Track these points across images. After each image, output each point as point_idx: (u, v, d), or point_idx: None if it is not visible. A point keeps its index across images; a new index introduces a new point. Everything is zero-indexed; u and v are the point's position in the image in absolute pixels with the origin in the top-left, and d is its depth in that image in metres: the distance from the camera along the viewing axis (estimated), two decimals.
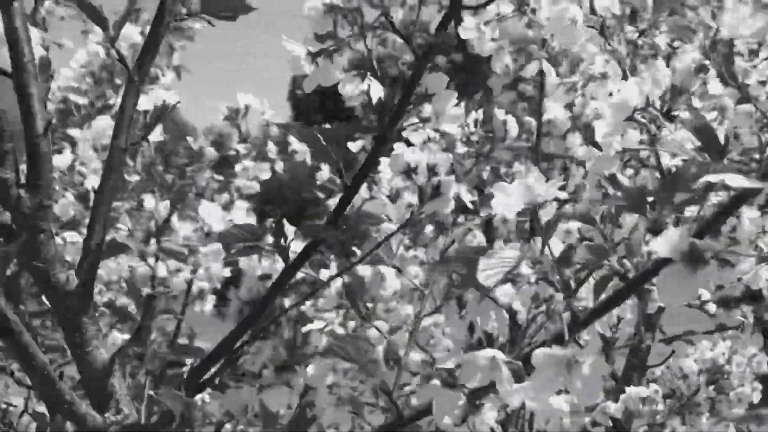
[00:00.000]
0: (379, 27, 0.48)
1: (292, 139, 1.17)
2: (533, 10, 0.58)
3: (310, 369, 0.86)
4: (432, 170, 0.61)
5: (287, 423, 0.66)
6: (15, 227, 0.44)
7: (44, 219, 0.44)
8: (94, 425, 0.43)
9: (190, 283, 0.80)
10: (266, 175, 1.13)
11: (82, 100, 1.19)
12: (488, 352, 0.34)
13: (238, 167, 1.12)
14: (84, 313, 0.45)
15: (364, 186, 1.16)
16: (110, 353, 0.47)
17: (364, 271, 0.95)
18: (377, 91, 0.50)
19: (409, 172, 0.61)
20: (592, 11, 0.58)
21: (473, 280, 0.36)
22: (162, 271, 0.82)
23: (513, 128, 0.87)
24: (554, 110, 0.69)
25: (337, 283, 0.79)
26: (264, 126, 1.12)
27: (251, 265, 1.29)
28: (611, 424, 0.75)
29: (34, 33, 0.83)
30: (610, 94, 0.60)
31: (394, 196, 1.14)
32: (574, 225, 0.62)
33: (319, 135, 0.51)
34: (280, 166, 1.16)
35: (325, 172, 1.15)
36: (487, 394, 0.36)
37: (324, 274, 0.95)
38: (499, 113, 0.82)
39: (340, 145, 0.50)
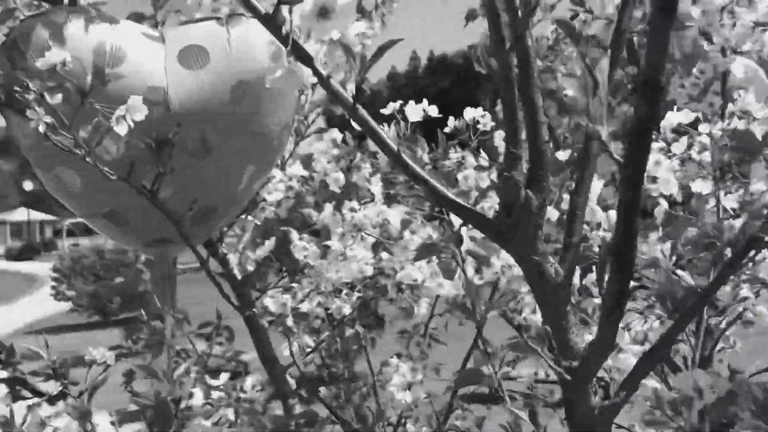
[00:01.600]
0: None
1: (503, 149, 1.21)
2: None
3: None
4: None
5: None
6: (515, 223, 0.49)
7: (543, 217, 0.48)
8: (592, 405, 0.48)
9: (495, 284, 0.85)
10: (484, 184, 1.17)
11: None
12: None
13: (459, 176, 1.17)
14: (567, 302, 0.49)
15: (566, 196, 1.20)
16: None
17: None
18: None
19: None
20: None
21: None
22: None
23: None
24: None
25: None
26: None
27: None
28: None
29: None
30: None
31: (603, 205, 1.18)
32: None
33: None
34: (494, 175, 1.20)
35: None
36: None
37: None
38: None
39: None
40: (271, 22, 0.47)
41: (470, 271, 0.84)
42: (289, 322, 1.32)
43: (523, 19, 0.44)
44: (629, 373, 0.51)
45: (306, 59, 0.47)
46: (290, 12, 0.46)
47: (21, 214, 31.27)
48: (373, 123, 0.49)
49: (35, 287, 15.53)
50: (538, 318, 1.20)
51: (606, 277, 0.44)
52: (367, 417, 1.03)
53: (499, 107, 1.79)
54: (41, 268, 17.89)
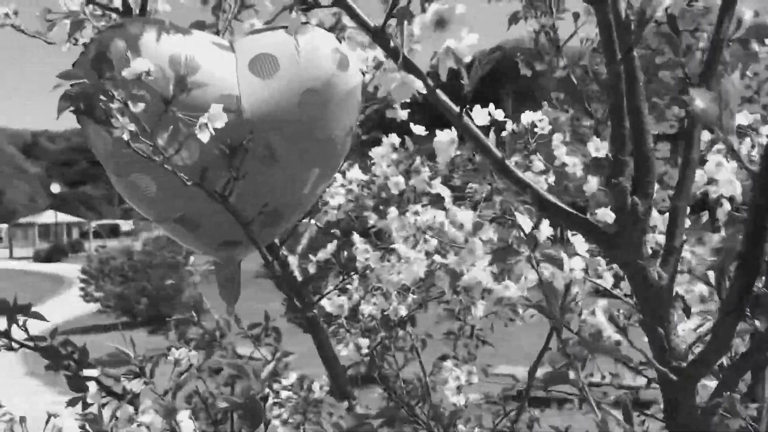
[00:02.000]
0: None
1: (559, 152, 1.23)
2: None
3: None
4: None
5: None
6: (619, 228, 0.50)
7: (648, 223, 0.50)
8: (696, 405, 0.49)
9: (568, 286, 0.86)
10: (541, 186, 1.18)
11: None
12: None
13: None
14: (670, 305, 0.50)
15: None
16: None
17: None
18: None
19: None
20: None
21: None
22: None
23: None
24: None
25: None
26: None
27: None
28: None
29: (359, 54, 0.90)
30: None
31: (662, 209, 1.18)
32: None
33: None
34: (551, 179, 1.21)
35: (592, 184, 1.20)
36: None
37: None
38: None
39: None
40: (380, 36, 0.49)
41: (535, 274, 0.85)
42: (344, 322, 1.34)
43: (636, 31, 0.46)
44: (726, 373, 0.52)
45: (415, 71, 0.49)
46: (400, 24, 0.47)
47: (48, 217, 31.74)
48: (476, 130, 0.50)
49: (63, 289, 15.76)
50: (595, 320, 1.19)
51: (723, 279, 0.45)
52: (442, 415, 1.05)
53: (546, 107, 1.80)
54: (69, 269, 18.14)
